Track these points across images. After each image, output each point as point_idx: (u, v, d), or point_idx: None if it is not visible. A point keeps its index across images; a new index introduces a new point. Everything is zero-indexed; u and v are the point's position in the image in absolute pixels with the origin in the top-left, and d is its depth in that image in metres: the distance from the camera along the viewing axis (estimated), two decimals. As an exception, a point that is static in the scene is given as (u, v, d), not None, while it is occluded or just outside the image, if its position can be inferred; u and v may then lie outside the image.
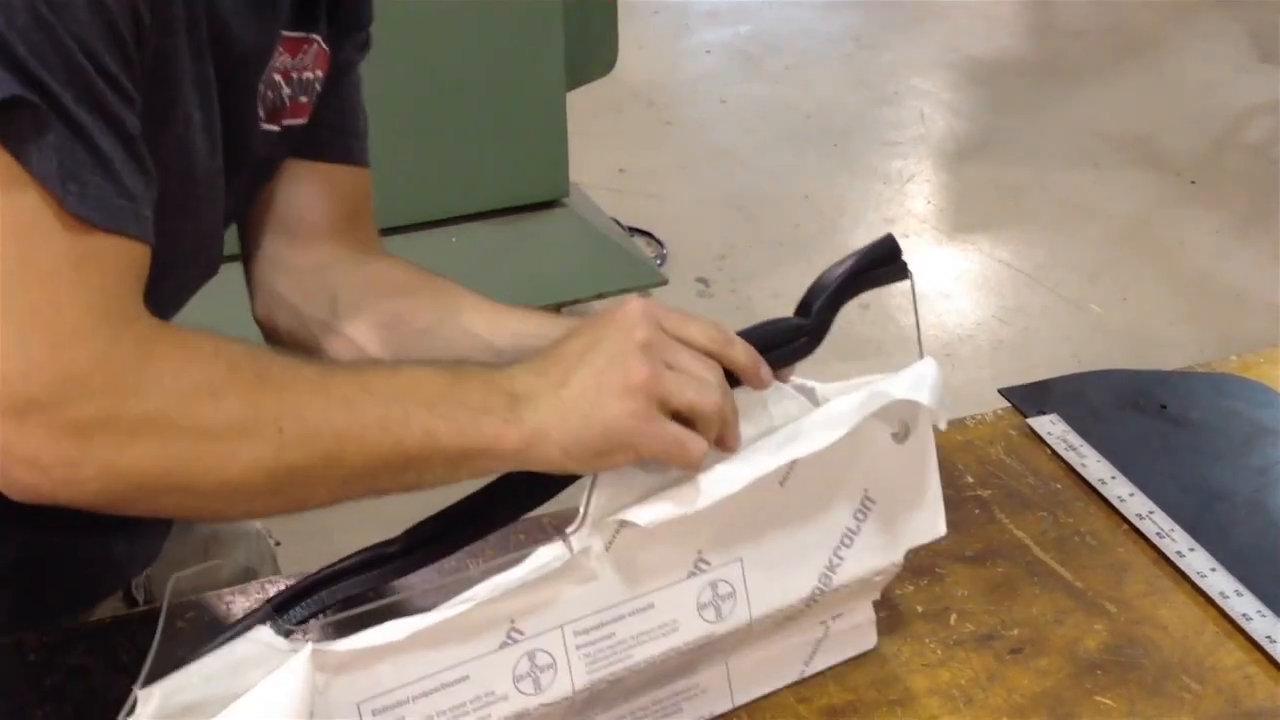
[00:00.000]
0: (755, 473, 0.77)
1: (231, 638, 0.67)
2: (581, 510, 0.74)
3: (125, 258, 0.67)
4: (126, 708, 0.64)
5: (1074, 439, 1.13)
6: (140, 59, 0.70)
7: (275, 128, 0.89)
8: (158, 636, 0.64)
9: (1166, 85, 4.13)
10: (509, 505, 0.79)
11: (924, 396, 0.82)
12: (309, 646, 0.66)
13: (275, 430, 0.66)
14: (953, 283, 3.13)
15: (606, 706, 0.81)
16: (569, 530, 0.74)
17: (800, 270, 3.37)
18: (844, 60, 4.29)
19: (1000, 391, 1.21)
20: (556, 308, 2.59)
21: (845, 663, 0.91)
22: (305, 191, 0.96)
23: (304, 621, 0.71)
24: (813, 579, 0.84)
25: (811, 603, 0.85)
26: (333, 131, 0.96)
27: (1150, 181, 3.58)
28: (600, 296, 2.57)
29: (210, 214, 0.86)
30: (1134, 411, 1.18)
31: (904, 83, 4.14)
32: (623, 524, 0.74)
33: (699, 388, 0.72)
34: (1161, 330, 2.97)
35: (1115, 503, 1.06)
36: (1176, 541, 1.01)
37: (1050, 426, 1.15)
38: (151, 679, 0.64)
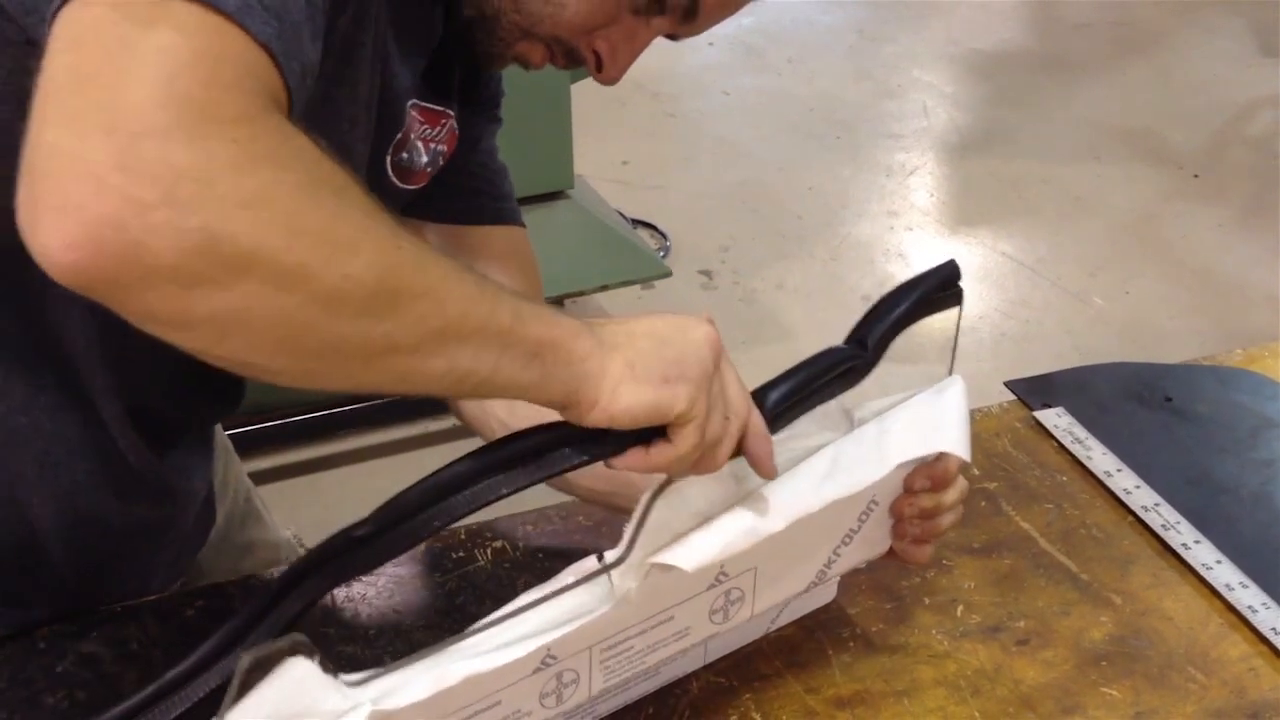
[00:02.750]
0: (800, 512, 0.77)
1: (260, 661, 0.63)
2: (627, 540, 0.73)
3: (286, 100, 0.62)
4: None
5: (1080, 431, 1.13)
6: (335, 21, 0.69)
7: (403, 186, 0.91)
8: (228, 702, 0.61)
9: (1169, 79, 4.13)
10: (482, 482, 0.72)
11: (956, 446, 0.83)
12: (367, 707, 0.64)
13: (395, 244, 0.61)
14: (955, 276, 3.13)
15: (604, 693, 0.82)
16: (611, 561, 0.73)
17: (803, 263, 3.39)
18: (847, 53, 4.29)
19: (1006, 384, 1.21)
20: (560, 300, 2.59)
21: (853, 654, 0.92)
22: (492, 255, 1.01)
23: (299, 617, 0.69)
24: (811, 575, 0.86)
25: (805, 593, 0.87)
26: (493, 199, 1.01)
27: (1152, 175, 3.59)
28: (604, 288, 2.57)
29: None
30: (1139, 404, 1.18)
31: (907, 75, 4.14)
32: (667, 566, 0.73)
33: (738, 391, 0.73)
34: (1163, 323, 2.98)
35: (1121, 495, 1.06)
36: (1182, 534, 1.02)
37: (1056, 419, 1.15)
38: None
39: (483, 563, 0.97)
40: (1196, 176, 3.59)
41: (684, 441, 0.71)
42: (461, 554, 0.98)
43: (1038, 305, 3.04)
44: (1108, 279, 3.14)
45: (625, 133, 3.67)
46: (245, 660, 0.61)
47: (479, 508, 0.71)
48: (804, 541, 0.83)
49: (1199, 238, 3.31)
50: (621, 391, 0.68)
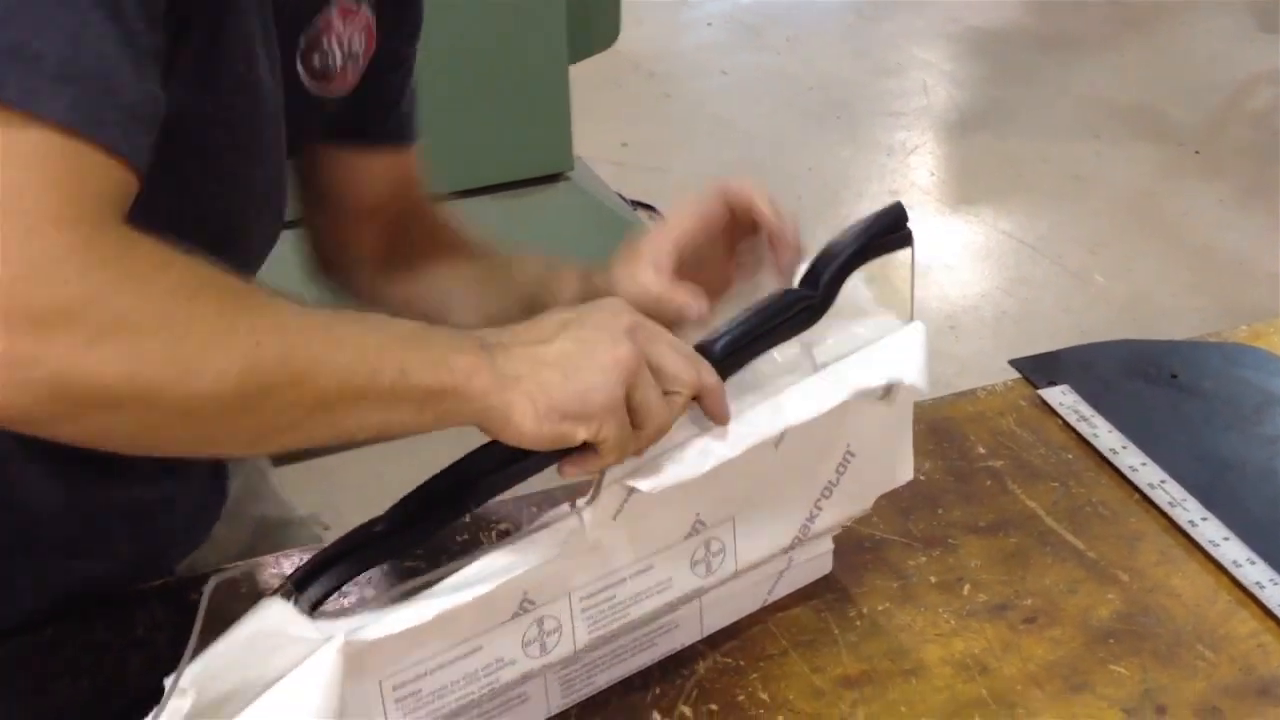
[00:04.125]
0: (755, 439, 0.78)
1: (224, 585, 0.66)
2: (594, 485, 0.75)
3: (109, 172, 0.62)
4: (166, 699, 0.63)
5: (1085, 409, 1.13)
6: None
7: (323, 94, 0.88)
8: (194, 640, 0.63)
9: (1169, 56, 4.12)
10: (492, 478, 0.75)
11: (914, 377, 0.84)
12: (341, 638, 0.66)
13: (252, 342, 0.61)
14: (956, 254, 3.13)
15: (592, 650, 0.83)
16: (581, 504, 0.75)
17: (804, 243, 3.37)
18: (845, 31, 4.28)
19: (1010, 362, 1.21)
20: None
21: (859, 633, 0.91)
22: (359, 178, 0.99)
23: (319, 604, 0.71)
24: (794, 530, 0.87)
25: (790, 550, 0.88)
26: (385, 118, 0.99)
27: (1153, 152, 3.58)
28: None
29: (277, 160, 0.85)
30: (1145, 382, 1.18)
31: (906, 54, 4.12)
32: (630, 491, 0.75)
33: (659, 401, 0.72)
34: (1165, 300, 2.97)
35: (1127, 473, 1.06)
36: (1189, 511, 1.02)
37: (1061, 397, 1.15)
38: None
39: (486, 545, 0.97)
40: (1197, 153, 3.58)
41: (606, 455, 0.71)
42: (466, 537, 0.97)
43: (1039, 283, 3.04)
44: (1108, 257, 3.13)
45: (623, 114, 3.66)
46: (210, 583, 0.63)
47: (476, 507, 0.75)
48: (778, 487, 0.84)
49: (1200, 215, 3.31)
50: (524, 427, 0.68)
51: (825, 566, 0.95)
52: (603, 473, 0.74)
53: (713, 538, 0.83)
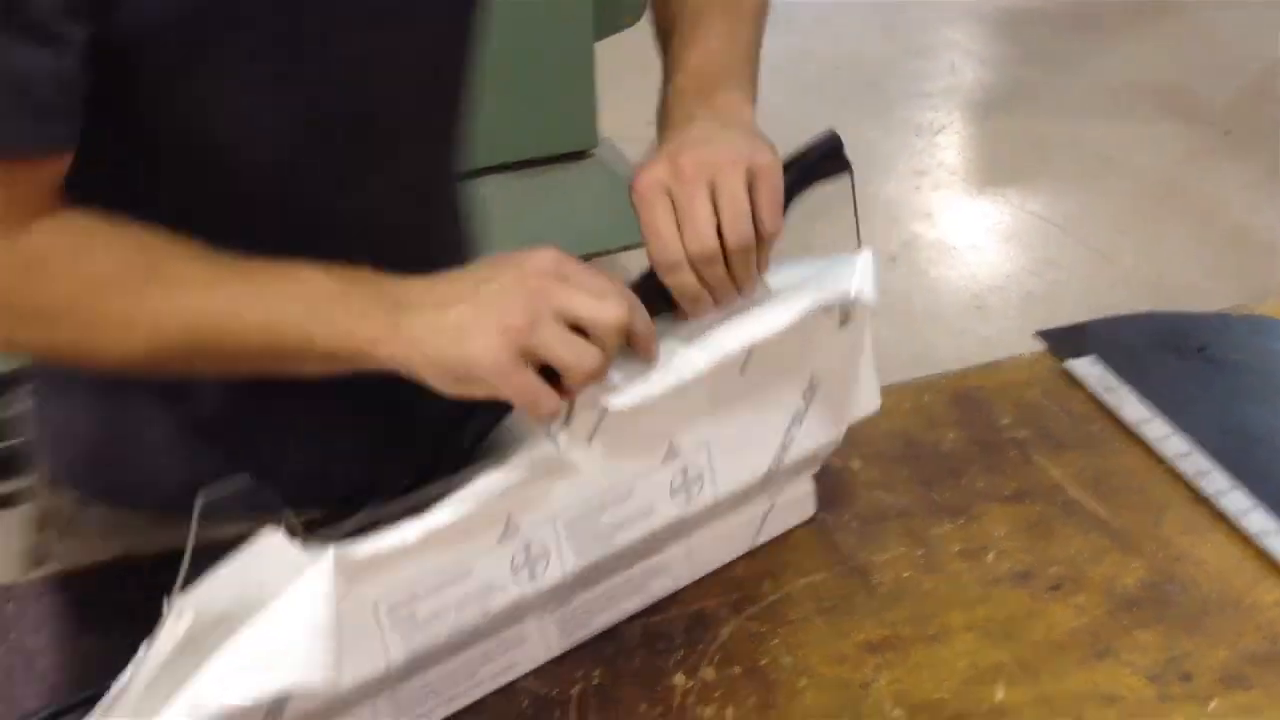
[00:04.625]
0: (719, 356, 0.81)
1: (214, 502, 0.69)
2: (566, 409, 0.76)
3: (21, 174, 0.70)
4: (162, 622, 0.66)
5: (1112, 381, 1.12)
6: None
7: None
8: (187, 555, 0.66)
9: (1198, 35, 4.08)
10: (480, 418, 0.80)
11: (867, 294, 0.87)
12: (331, 552, 0.69)
13: (154, 327, 0.72)
14: (983, 234, 3.12)
15: (586, 588, 0.85)
16: (555, 428, 0.77)
17: (830, 223, 3.35)
18: (873, 11, 4.25)
19: (1038, 334, 1.20)
20: (585, 259, 2.58)
21: (883, 599, 0.92)
22: None
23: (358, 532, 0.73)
24: (769, 458, 0.89)
25: (768, 480, 0.90)
26: None
27: (1182, 132, 3.55)
28: (628, 248, 2.56)
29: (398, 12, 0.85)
30: (1172, 354, 1.17)
31: (934, 34, 4.10)
32: (604, 412, 0.77)
33: (576, 350, 0.72)
34: (1193, 282, 2.95)
35: (1152, 443, 1.06)
36: (1214, 481, 1.01)
37: (1088, 369, 1.14)
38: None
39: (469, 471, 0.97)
40: (1226, 134, 3.55)
41: (529, 410, 0.73)
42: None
43: (1066, 264, 3.02)
44: (1137, 237, 3.11)
45: (650, 93, 3.65)
46: (200, 500, 0.67)
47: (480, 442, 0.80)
48: (748, 412, 0.87)
49: (1229, 195, 3.28)
50: (429, 381, 0.73)
51: (809, 509, 0.98)
52: (573, 399, 0.76)
53: (689, 464, 0.85)
